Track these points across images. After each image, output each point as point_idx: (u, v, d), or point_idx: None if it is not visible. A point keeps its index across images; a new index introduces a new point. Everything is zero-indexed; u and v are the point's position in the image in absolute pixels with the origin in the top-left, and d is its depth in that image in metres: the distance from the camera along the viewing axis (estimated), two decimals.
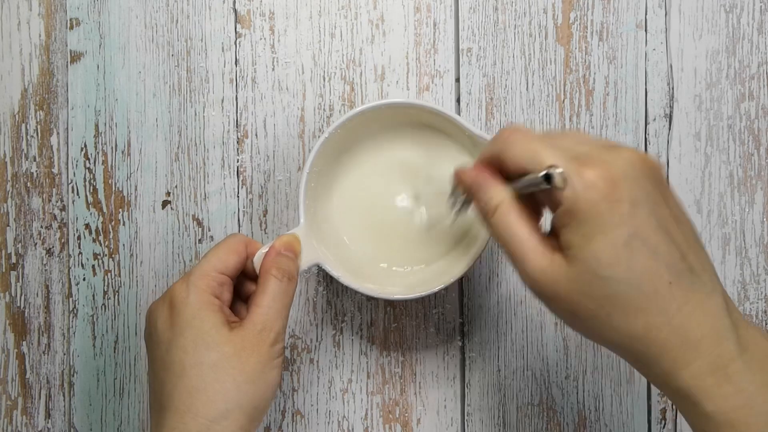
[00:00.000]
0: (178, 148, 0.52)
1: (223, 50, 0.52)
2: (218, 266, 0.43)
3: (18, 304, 0.52)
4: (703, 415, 0.35)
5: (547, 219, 0.37)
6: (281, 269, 0.43)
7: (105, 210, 0.52)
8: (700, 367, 0.34)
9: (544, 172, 0.34)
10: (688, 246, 0.35)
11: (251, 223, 0.53)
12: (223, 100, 0.52)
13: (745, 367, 0.35)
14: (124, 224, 0.52)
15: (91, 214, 0.52)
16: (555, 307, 0.36)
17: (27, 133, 0.52)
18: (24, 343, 0.52)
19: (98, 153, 0.52)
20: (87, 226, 0.52)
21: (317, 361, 0.53)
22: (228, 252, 0.43)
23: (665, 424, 0.53)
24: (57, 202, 0.52)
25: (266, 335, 0.41)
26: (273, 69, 0.53)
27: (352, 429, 0.53)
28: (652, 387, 0.53)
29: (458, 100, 0.53)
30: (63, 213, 0.52)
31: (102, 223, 0.52)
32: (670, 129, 0.53)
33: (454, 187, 0.43)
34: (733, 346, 0.35)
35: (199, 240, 0.53)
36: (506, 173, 0.37)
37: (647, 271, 0.34)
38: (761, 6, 0.53)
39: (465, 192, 0.40)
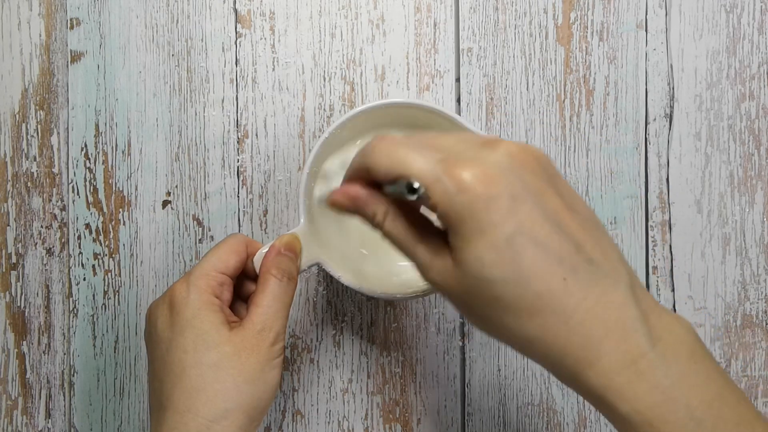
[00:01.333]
0: (178, 148, 0.52)
1: (223, 50, 0.52)
2: (218, 266, 0.43)
3: (18, 304, 0.52)
4: (620, 417, 0.32)
5: None
6: (281, 269, 0.43)
7: (105, 210, 0.52)
8: (606, 366, 0.32)
9: (405, 185, 0.32)
10: (586, 235, 0.33)
11: (251, 223, 0.53)
12: (223, 100, 0.52)
13: (658, 359, 0.32)
14: (124, 224, 0.52)
15: (91, 213, 0.52)
16: (455, 307, 0.35)
17: (27, 133, 0.52)
18: (24, 342, 0.52)
19: (98, 153, 0.52)
20: (87, 225, 0.52)
21: (317, 361, 0.53)
22: (228, 252, 0.43)
23: None
24: (57, 201, 0.52)
25: (266, 335, 0.41)
26: (273, 69, 0.53)
27: (352, 429, 0.53)
28: None
29: (458, 100, 0.53)
30: (63, 213, 0.52)
31: (102, 222, 0.52)
32: (670, 129, 0.53)
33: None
34: (643, 338, 0.32)
35: (200, 240, 0.53)
36: (379, 181, 0.35)
37: (536, 269, 0.32)
38: (761, 6, 0.53)
39: (350, 213, 0.36)
